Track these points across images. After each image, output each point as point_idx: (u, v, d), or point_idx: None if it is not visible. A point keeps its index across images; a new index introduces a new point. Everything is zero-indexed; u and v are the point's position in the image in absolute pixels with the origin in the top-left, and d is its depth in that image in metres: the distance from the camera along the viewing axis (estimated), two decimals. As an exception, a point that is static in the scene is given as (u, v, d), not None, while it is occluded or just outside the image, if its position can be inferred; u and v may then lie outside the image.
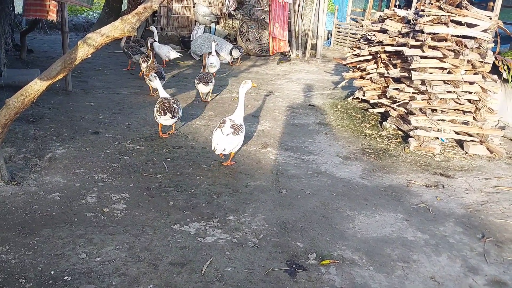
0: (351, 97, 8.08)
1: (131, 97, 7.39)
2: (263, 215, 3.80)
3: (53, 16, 7.24)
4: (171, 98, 5.50)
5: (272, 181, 4.51)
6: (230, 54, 11.11)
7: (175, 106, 5.39)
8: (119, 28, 3.44)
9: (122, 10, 15.53)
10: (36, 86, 3.54)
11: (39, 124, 5.64)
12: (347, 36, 15.63)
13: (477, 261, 3.35)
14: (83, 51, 3.47)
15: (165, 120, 5.35)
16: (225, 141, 4.57)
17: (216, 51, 9.89)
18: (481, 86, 5.86)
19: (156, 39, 9.38)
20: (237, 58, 11.31)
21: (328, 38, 17.36)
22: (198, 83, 7.21)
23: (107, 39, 3.47)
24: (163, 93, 5.66)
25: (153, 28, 9.57)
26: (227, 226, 3.59)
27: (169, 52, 9.73)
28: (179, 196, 4.03)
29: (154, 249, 3.22)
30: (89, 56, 3.55)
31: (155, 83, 5.91)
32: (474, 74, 5.90)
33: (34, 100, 3.63)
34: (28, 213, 3.58)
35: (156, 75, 6.08)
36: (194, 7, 13.34)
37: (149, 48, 8.12)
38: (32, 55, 10.09)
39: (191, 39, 12.78)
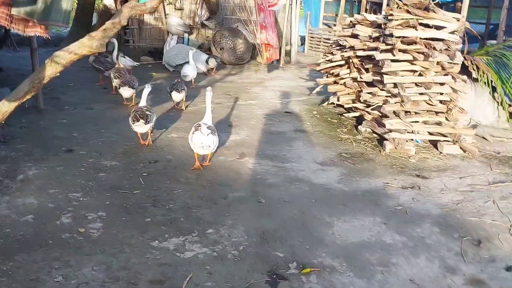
0: (326, 102, 8.15)
1: (105, 112, 7.31)
2: (242, 226, 3.80)
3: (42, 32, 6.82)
4: (144, 106, 5.66)
5: (251, 191, 4.52)
6: (207, 63, 11.12)
7: (147, 112, 5.52)
8: (87, 45, 3.42)
9: (92, 24, 15.37)
10: (4, 108, 3.47)
11: (10, 145, 5.53)
12: (320, 42, 15.82)
13: (455, 261, 3.42)
14: (51, 69, 3.43)
15: (139, 127, 5.50)
16: (208, 140, 4.87)
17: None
18: (451, 87, 6.00)
19: (116, 51, 9.16)
20: (213, 68, 11.32)
21: (302, 44, 17.51)
22: (171, 91, 7.37)
23: (75, 56, 3.45)
24: (143, 103, 5.80)
25: (113, 40, 9.40)
26: (206, 239, 3.58)
27: (126, 62, 9.76)
28: (157, 212, 4.00)
29: (132, 268, 3.18)
30: (58, 74, 3.51)
31: (144, 92, 5.97)
32: (444, 75, 6.04)
33: (3, 122, 3.57)
34: (0, 237, 3.49)
35: (150, 85, 6.13)
36: (166, 18, 13.32)
37: (117, 61, 8.11)
38: (2, 73, 9.89)
39: (164, 50, 12.73)
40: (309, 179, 4.87)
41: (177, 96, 7.40)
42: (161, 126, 6.55)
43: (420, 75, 6.04)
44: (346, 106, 7.35)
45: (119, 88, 7.65)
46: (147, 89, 6.02)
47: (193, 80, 9.39)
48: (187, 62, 9.75)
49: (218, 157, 5.44)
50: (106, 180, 4.63)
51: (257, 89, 9.77)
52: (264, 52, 11.45)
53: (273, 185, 4.67)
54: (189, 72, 8.96)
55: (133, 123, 5.50)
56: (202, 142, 4.88)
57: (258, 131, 6.60)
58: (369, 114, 6.59)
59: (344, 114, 7.43)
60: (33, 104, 7.34)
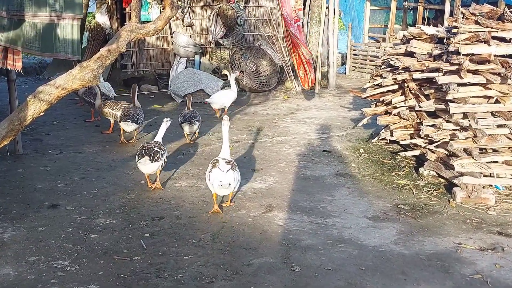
0: (376, 137, 8.15)
1: (97, 156, 7.48)
2: (272, 303, 3.76)
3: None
4: (154, 142, 6.09)
5: (281, 256, 4.49)
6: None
7: (156, 149, 5.88)
8: (78, 78, 3.56)
9: (82, 47, 15.95)
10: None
11: (-19, 199, 5.69)
12: (366, 60, 15.97)
13: None
14: (34, 108, 3.58)
15: (144, 165, 5.86)
16: (228, 177, 5.18)
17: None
18: (539, 116, 5.92)
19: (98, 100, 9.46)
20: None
21: (342, 64, 17.71)
22: (183, 122, 7.95)
23: (63, 91, 3.59)
24: (158, 139, 6.24)
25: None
26: (226, 321, 3.55)
27: (110, 91, 10.30)
28: (163, 284, 4.00)
29: None
30: (42, 114, 3.65)
31: (162, 126, 6.40)
32: (529, 101, 5.98)
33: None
34: (-32, 319, 3.55)
35: (169, 119, 6.58)
36: (172, 37, 13.74)
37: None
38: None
39: (170, 76, 13.08)
40: (358, 240, 4.82)
41: (189, 129, 7.98)
42: (167, 172, 6.65)
43: (496, 102, 5.99)
44: (402, 142, 7.32)
45: (120, 121, 7.98)
46: (165, 123, 6.43)
47: (225, 108, 10.14)
48: (225, 87, 10.82)
49: (239, 210, 5.46)
50: (99, 244, 4.68)
51: (287, 122, 9.86)
52: (306, 74, 11.64)
53: (310, 248, 4.63)
54: (218, 99, 9.92)
55: (137, 160, 5.87)
56: (221, 180, 5.15)
57: (289, 177, 6.62)
58: (433, 152, 6.54)
59: (400, 153, 7.39)
60: (10, 148, 7.57)
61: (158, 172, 6.04)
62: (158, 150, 5.89)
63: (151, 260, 4.38)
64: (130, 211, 5.45)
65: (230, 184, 5.19)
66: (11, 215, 5.31)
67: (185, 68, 13.18)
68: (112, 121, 8.69)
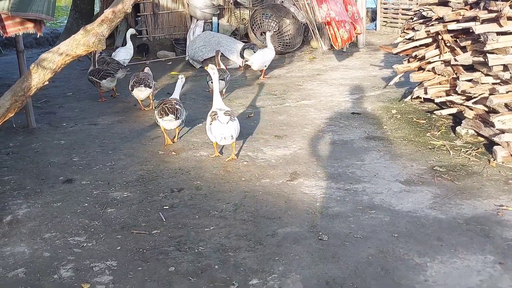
0: (410, 96, 8.01)
1: (113, 128, 7.53)
2: (298, 274, 3.76)
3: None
4: (173, 99, 6.49)
5: (308, 225, 4.47)
6: (242, 56, 11.25)
7: (177, 106, 6.32)
8: (82, 43, 3.53)
9: (95, 13, 16.00)
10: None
11: (-6, 177, 5.80)
12: (397, 14, 15.63)
13: None
14: (38, 77, 3.57)
15: (168, 122, 6.29)
16: (229, 129, 5.70)
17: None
18: None
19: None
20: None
21: (373, 20, 17.40)
22: (209, 81, 8.44)
23: (67, 58, 3.57)
24: (175, 95, 6.69)
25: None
26: (249, 294, 3.56)
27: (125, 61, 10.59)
28: (183, 258, 4.03)
29: (152, 335, 3.21)
30: (47, 82, 3.64)
31: (177, 83, 6.87)
32: None
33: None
34: (-16, 299, 3.64)
35: (183, 75, 7.07)
36: (188, -2, 13.63)
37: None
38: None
39: (187, 41, 13.01)
40: (390, 205, 4.77)
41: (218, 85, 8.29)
42: (187, 142, 6.65)
43: (540, 50, 5.80)
44: (437, 100, 7.18)
45: (132, 90, 8.08)
46: (181, 80, 6.88)
47: (264, 68, 10.51)
48: (245, 49, 11.13)
49: (262, 179, 5.45)
50: (116, 218, 4.74)
51: (313, 85, 9.76)
52: (334, 33, 11.33)
53: (338, 216, 4.61)
54: (257, 60, 10.23)
55: (160, 118, 6.25)
56: (223, 133, 5.71)
57: (315, 142, 6.57)
58: (471, 109, 6.41)
59: (435, 112, 7.25)
60: (23, 122, 7.69)
61: (177, 129, 6.64)
62: (179, 107, 6.36)
63: (171, 233, 4.41)
64: (148, 183, 5.49)
65: (232, 136, 5.73)
66: (25, 191, 5.39)
67: (203, 31, 13.07)
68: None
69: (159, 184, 5.46)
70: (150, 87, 8.13)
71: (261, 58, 10.33)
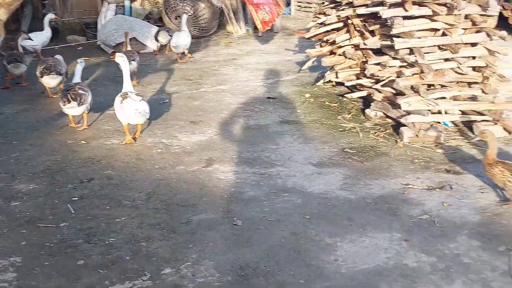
0: (322, 80, 8.14)
1: (18, 117, 7.17)
2: (211, 260, 3.75)
3: None
4: (76, 84, 6.44)
5: (223, 210, 4.47)
6: (156, 39, 11.04)
7: (80, 91, 6.25)
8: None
9: None
10: None
11: None
12: (312, -2, 15.80)
13: (502, 284, 3.40)
14: None
15: (72, 109, 6.24)
16: (142, 105, 5.81)
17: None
18: (486, 48, 6.01)
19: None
20: (166, 45, 11.23)
21: (288, 4, 17.50)
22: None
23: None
24: (76, 79, 6.61)
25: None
26: (162, 284, 3.52)
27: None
28: (93, 250, 3.92)
29: (59, 332, 3.10)
30: None
31: (77, 68, 6.77)
32: (476, 32, 6.05)
33: None
34: None
35: (82, 60, 7.01)
36: (98, -20, 13.18)
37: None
38: None
39: (98, 25, 12.59)
40: (302, 188, 4.84)
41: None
42: (98, 131, 6.46)
43: (443, 34, 6.04)
44: (348, 83, 7.34)
45: (42, 77, 7.72)
46: (80, 65, 6.81)
47: (186, 51, 10.54)
48: (159, 32, 10.87)
49: (177, 166, 5.38)
50: (21, 212, 4.53)
51: (229, 69, 9.73)
52: (252, 16, 11.29)
53: (253, 200, 4.63)
54: (183, 40, 10.21)
55: (64, 105, 6.20)
56: (137, 108, 5.77)
57: (231, 127, 6.56)
58: (380, 92, 6.59)
59: (346, 95, 7.41)
60: None
61: (85, 114, 6.49)
62: (83, 92, 6.28)
63: (80, 225, 4.28)
64: (56, 174, 5.28)
65: (145, 111, 5.82)
66: None
67: (115, 15, 12.68)
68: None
69: (67, 174, 5.26)
70: (61, 74, 7.80)
71: (185, 39, 10.34)
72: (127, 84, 6.10)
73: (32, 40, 9.79)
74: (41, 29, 10.56)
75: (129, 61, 7.69)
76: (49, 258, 3.84)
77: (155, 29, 11.50)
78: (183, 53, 10.58)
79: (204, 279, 3.56)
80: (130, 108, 5.78)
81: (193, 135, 6.30)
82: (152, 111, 6.65)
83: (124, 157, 5.65)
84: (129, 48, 8.95)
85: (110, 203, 4.65)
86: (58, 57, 8.04)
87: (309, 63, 8.46)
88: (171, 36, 10.96)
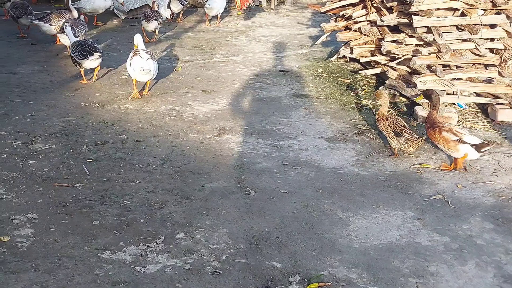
0: (336, 56, 8.08)
1: (33, 77, 7.15)
2: (225, 228, 3.75)
3: None
4: (86, 40, 6.76)
5: (235, 179, 4.46)
6: (169, 8, 10.93)
7: (94, 45, 6.54)
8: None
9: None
10: None
11: None
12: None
13: (513, 266, 3.41)
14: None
15: (94, 61, 6.50)
16: (148, 64, 6.01)
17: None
18: (506, 30, 5.95)
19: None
20: (179, 13, 11.14)
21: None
22: (142, 20, 9.00)
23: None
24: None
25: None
26: (176, 247, 3.53)
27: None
28: (108, 211, 3.93)
29: (75, 290, 3.12)
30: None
31: (67, 31, 7.33)
32: (496, 14, 5.99)
33: None
34: None
35: (68, 24, 7.49)
36: None
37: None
38: None
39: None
40: (315, 162, 4.82)
41: (148, 27, 8.94)
42: (112, 95, 6.44)
43: (462, 14, 5.97)
44: (362, 60, 7.28)
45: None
46: (65, 28, 7.38)
47: (218, 15, 10.81)
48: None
49: (190, 134, 5.36)
50: (37, 170, 4.54)
51: (241, 41, 9.65)
52: None
53: (265, 171, 4.61)
54: (216, 4, 10.38)
55: (82, 59, 6.40)
56: (142, 66, 5.98)
57: (243, 98, 6.52)
58: (394, 70, 6.54)
59: (360, 72, 7.36)
60: None
61: (96, 69, 6.82)
62: (96, 45, 6.60)
63: (95, 187, 4.28)
64: (71, 135, 5.27)
65: (150, 71, 6.03)
66: None
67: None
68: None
69: (82, 136, 5.25)
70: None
71: (220, 2, 10.45)
72: (141, 44, 6.37)
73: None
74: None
75: (152, 19, 8.83)
76: (65, 216, 3.85)
77: (168, -3, 11.40)
78: (216, 16, 10.85)
79: (217, 245, 3.56)
80: (136, 65, 6.03)
81: (206, 104, 6.27)
82: (165, 77, 6.63)
83: (138, 122, 5.62)
84: (155, 8, 9.52)
85: (125, 166, 4.64)
86: (82, 17, 8.39)
87: (323, 38, 8.40)
88: (183, 5, 10.92)
